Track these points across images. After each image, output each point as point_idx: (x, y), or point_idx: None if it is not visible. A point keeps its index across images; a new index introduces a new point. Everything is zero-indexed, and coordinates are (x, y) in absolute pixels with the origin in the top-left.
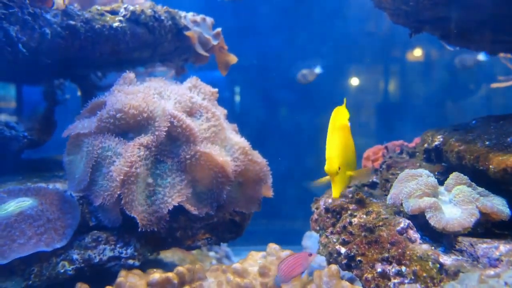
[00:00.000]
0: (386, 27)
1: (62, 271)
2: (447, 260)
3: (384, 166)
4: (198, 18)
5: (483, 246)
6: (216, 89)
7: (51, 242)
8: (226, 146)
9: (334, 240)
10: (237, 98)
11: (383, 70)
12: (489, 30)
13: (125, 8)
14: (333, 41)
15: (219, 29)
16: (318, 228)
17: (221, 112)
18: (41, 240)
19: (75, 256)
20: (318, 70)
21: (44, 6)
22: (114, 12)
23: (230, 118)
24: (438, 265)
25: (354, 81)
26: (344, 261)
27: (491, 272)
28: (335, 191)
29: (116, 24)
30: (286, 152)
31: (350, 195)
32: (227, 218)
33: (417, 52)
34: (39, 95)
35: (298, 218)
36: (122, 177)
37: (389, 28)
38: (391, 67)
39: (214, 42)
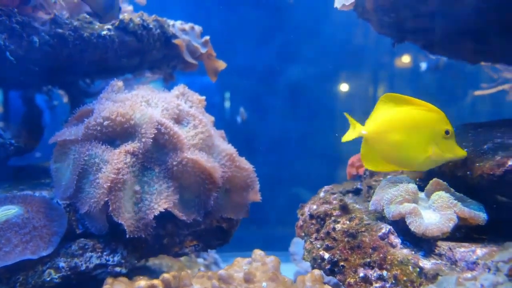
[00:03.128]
0: (374, 33)
1: (48, 279)
2: (426, 264)
3: (367, 173)
4: (187, 26)
5: (461, 250)
6: (204, 97)
7: (37, 250)
8: (213, 153)
9: (318, 245)
10: (226, 104)
11: (371, 76)
12: (470, 41)
13: None
14: (321, 47)
15: (207, 37)
16: (303, 234)
17: (208, 119)
18: (27, 248)
19: (62, 264)
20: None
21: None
22: None
23: (219, 123)
24: (418, 269)
25: (343, 87)
26: (328, 266)
27: (468, 275)
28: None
29: (104, 32)
30: (274, 158)
31: (335, 202)
32: (214, 225)
33: (405, 59)
34: (26, 102)
35: (286, 224)
36: (109, 184)
37: (376, 34)
38: (379, 73)
39: (203, 50)
